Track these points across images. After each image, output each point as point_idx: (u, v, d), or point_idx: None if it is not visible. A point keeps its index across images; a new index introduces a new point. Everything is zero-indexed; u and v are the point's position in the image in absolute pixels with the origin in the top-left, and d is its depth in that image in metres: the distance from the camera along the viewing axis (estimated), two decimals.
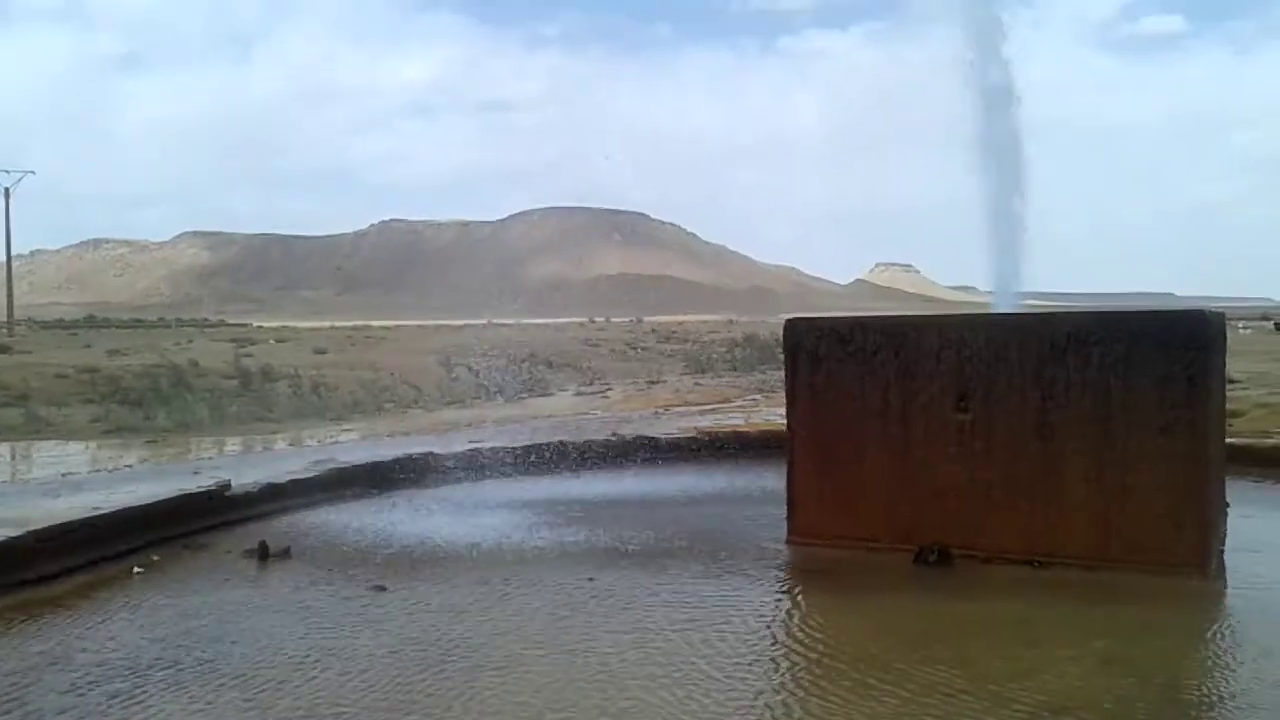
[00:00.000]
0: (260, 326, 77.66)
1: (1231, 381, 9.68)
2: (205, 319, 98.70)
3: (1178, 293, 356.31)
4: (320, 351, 35.80)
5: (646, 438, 10.46)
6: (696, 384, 27.29)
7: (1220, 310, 6.49)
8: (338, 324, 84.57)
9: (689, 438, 10.57)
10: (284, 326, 76.53)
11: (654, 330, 61.65)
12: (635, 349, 45.08)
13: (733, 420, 12.31)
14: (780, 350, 6.90)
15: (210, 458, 11.35)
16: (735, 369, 34.29)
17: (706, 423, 11.94)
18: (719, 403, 17.83)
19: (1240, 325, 52.86)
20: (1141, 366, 5.56)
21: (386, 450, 9.93)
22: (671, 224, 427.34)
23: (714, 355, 39.56)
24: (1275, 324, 56.01)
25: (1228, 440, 6.59)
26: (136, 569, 6.01)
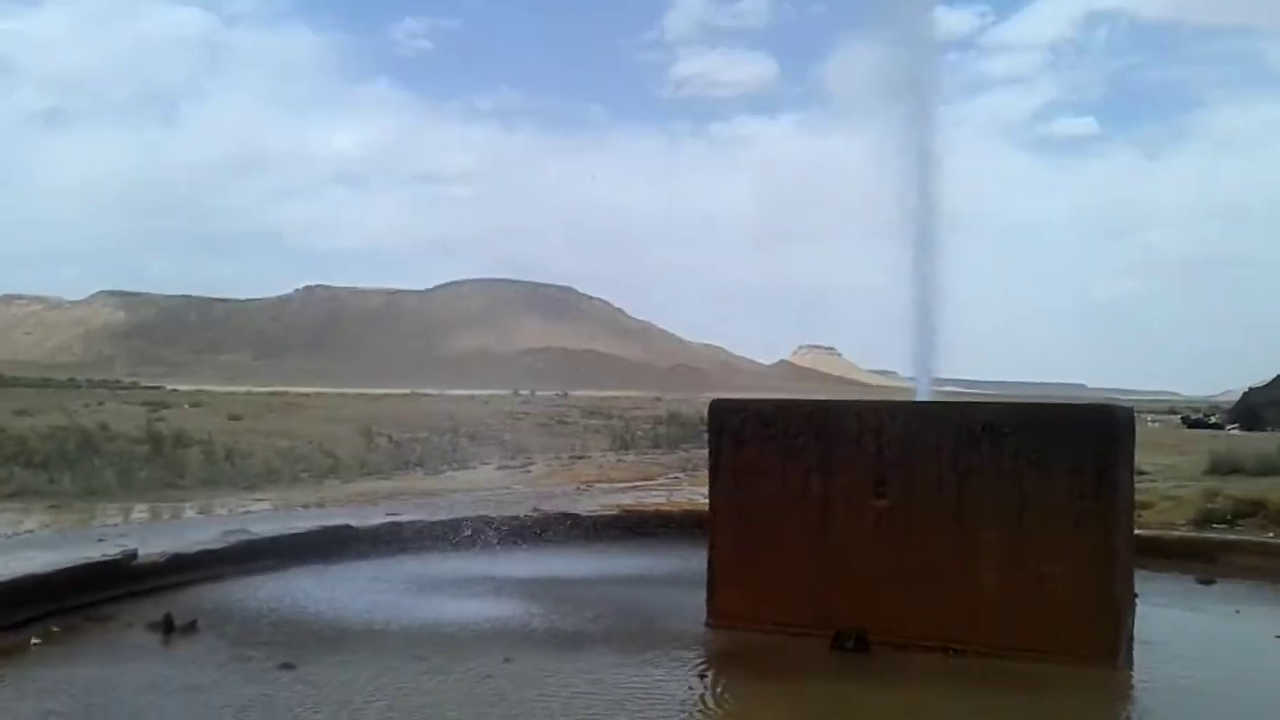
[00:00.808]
0: (174, 390, 75.73)
1: (1140, 473, 9.95)
2: (118, 380, 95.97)
3: (1089, 384, 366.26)
4: (235, 417, 34.92)
5: (568, 514, 10.40)
6: (620, 460, 27.18)
7: (1129, 404, 6.70)
8: (255, 389, 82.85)
9: (611, 515, 10.53)
10: (199, 390, 74.75)
11: (578, 405, 61.53)
12: (559, 423, 44.88)
13: (655, 498, 12.29)
14: (704, 428, 6.97)
15: (116, 524, 10.95)
16: (659, 446, 34.25)
17: (629, 500, 11.92)
18: (642, 480, 17.77)
19: (1149, 419, 54.50)
20: (1054, 458, 5.69)
21: (300, 522, 9.71)
22: (599, 299, 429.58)
23: (638, 432, 39.52)
24: (1183, 418, 57.86)
25: (1136, 532, 6.76)
26: (34, 640, 5.77)
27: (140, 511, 13.87)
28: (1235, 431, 44.93)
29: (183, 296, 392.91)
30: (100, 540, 8.03)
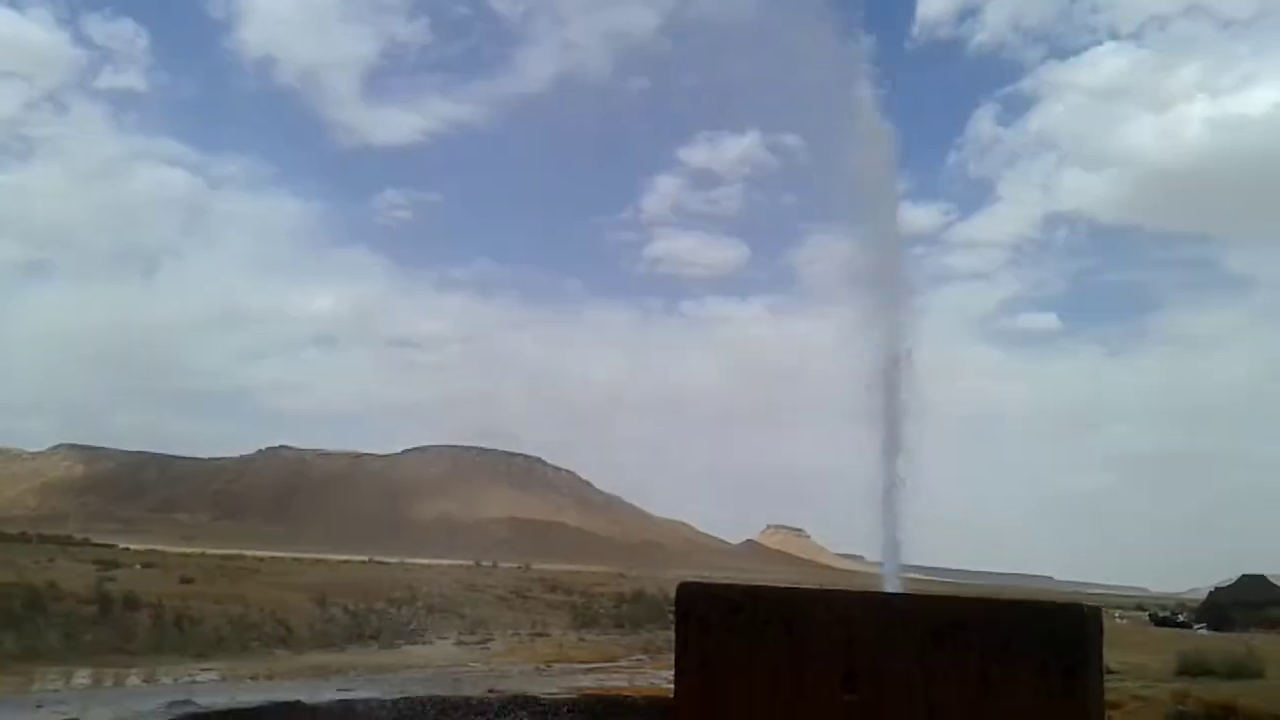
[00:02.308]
0: (127, 549, 73.94)
1: (1109, 672, 9.86)
2: (70, 536, 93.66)
3: (1056, 577, 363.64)
4: (187, 580, 34.06)
5: (526, 697, 10.11)
6: (581, 639, 26.66)
7: (1097, 600, 6.71)
8: (210, 551, 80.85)
9: (570, 699, 10.24)
10: (152, 550, 73.02)
11: (541, 579, 60.46)
12: (521, 597, 43.98)
13: (617, 682, 12.02)
14: (669, 609, 6.89)
15: (56, 690, 10.55)
16: (622, 626, 33.66)
17: (589, 682, 11.64)
18: (604, 661, 17.40)
19: (1117, 615, 54.28)
20: (1021, 656, 5.64)
21: (249, 695, 9.39)
22: (566, 470, 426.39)
23: (601, 610, 38.83)
24: (1151, 615, 57.61)
25: None
26: None
27: (82, 676, 13.35)
28: (1203, 631, 44.69)
29: (143, 452, 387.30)
30: (39, 706, 7.73)
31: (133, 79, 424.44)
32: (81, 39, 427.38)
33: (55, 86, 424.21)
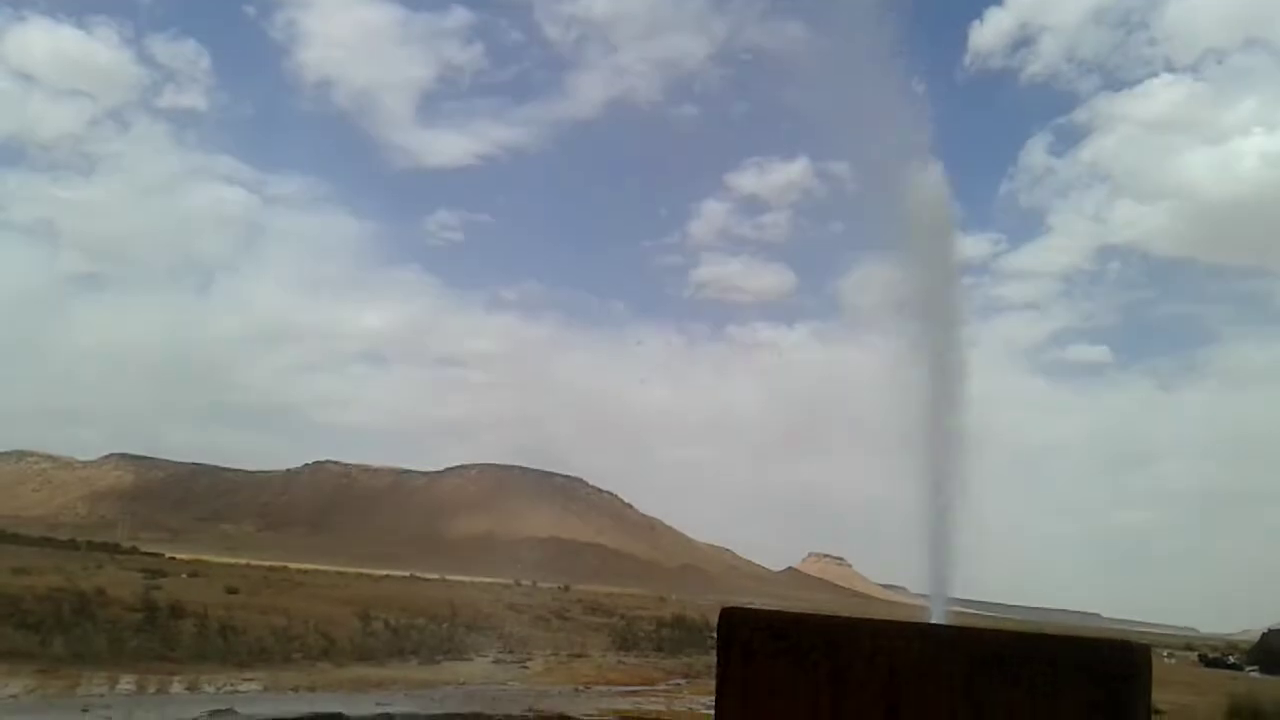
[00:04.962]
0: (173, 558, 74.97)
1: (1157, 712, 9.65)
2: (118, 544, 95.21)
3: (1104, 614, 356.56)
4: (232, 591, 34.43)
5: (565, 717, 10.11)
6: (620, 661, 26.56)
7: (1146, 641, 6.57)
8: (255, 562, 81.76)
9: None
10: (198, 560, 73.97)
11: (581, 600, 60.40)
12: (560, 618, 43.94)
13: (655, 705, 11.97)
14: (709, 633, 6.84)
15: (101, 695, 10.69)
16: (661, 649, 33.49)
17: (627, 705, 11.62)
18: (642, 684, 17.32)
19: (1165, 654, 53.18)
20: (1068, 691, 5.52)
21: (290, 705, 9.47)
22: (608, 492, 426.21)
23: (641, 633, 38.68)
24: (1200, 656, 56.40)
25: None
26: None
27: (127, 682, 13.53)
28: (1255, 674, 43.63)
29: (193, 464, 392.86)
30: (85, 710, 7.85)
31: (194, 98, 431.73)
32: (145, 58, 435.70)
33: (118, 104, 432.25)
